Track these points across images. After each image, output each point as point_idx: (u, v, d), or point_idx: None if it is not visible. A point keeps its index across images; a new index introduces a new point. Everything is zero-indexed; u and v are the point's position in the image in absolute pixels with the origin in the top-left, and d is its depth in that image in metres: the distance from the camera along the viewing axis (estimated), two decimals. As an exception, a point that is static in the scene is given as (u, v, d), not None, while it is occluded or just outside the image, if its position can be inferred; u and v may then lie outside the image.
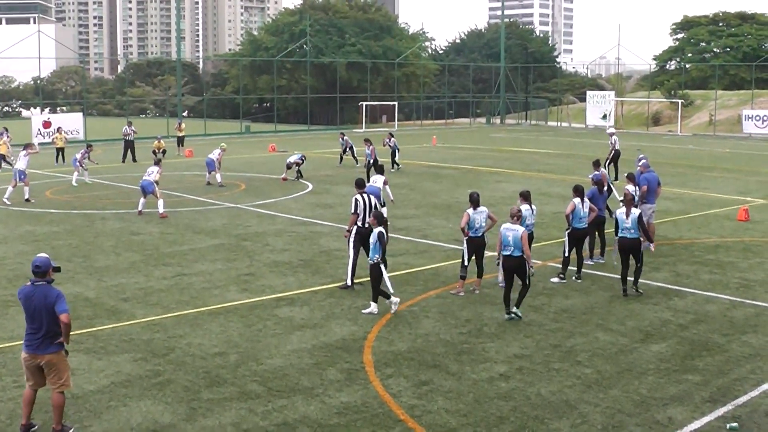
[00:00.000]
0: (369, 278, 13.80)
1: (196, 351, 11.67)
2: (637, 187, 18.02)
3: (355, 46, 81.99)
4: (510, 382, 10.59)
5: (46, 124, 49.01)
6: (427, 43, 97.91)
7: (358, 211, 15.10)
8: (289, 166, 31.27)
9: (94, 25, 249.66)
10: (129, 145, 38.55)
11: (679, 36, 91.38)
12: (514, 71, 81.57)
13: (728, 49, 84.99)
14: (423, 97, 79.31)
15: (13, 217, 22.81)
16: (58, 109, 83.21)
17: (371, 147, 31.35)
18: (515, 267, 13.23)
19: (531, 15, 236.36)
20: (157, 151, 36.88)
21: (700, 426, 9.34)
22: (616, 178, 28.90)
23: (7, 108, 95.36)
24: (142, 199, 23.10)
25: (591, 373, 10.93)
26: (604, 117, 67.07)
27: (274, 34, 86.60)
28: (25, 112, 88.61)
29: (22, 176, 25.36)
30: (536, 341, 12.22)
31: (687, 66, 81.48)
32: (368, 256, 13.85)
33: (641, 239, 14.82)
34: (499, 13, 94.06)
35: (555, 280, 15.73)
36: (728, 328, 13.00)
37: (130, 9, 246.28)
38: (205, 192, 27.83)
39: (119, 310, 13.74)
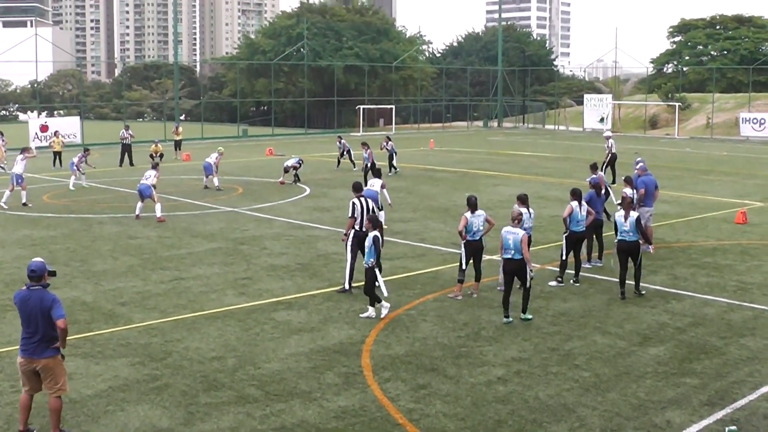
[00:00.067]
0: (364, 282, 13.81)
1: (194, 355, 11.65)
2: (635, 191, 18.04)
3: (352, 49, 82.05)
4: (508, 385, 10.58)
5: (43, 128, 48.94)
6: (425, 47, 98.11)
7: (356, 215, 15.10)
8: (286, 170, 31.26)
9: (92, 28, 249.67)
10: (126, 149, 38.53)
11: (677, 39, 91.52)
12: (511, 74, 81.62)
13: (725, 52, 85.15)
14: (420, 100, 79.31)
15: (11, 221, 22.78)
16: (55, 112, 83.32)
17: (369, 150, 31.36)
18: (515, 270, 13.26)
19: (528, 18, 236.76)
20: (154, 154, 36.77)
21: (699, 429, 9.34)
22: (613, 182, 28.91)
23: (4, 111, 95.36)
24: (139, 203, 23.09)
25: (589, 376, 10.93)
26: (602, 120, 67.14)
27: (272, 37, 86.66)
28: (22, 116, 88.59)
29: (20, 180, 25.33)
30: (534, 344, 12.22)
31: (684, 69, 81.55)
32: (364, 260, 13.86)
33: (640, 242, 14.84)
34: (496, 16, 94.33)
35: (553, 283, 15.73)
36: (726, 331, 13.00)
37: (128, 12, 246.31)
38: (202, 196, 27.82)
39: (117, 314, 13.72)
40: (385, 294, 13.56)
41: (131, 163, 37.90)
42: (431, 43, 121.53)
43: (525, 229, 14.15)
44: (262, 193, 28.69)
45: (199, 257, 18.08)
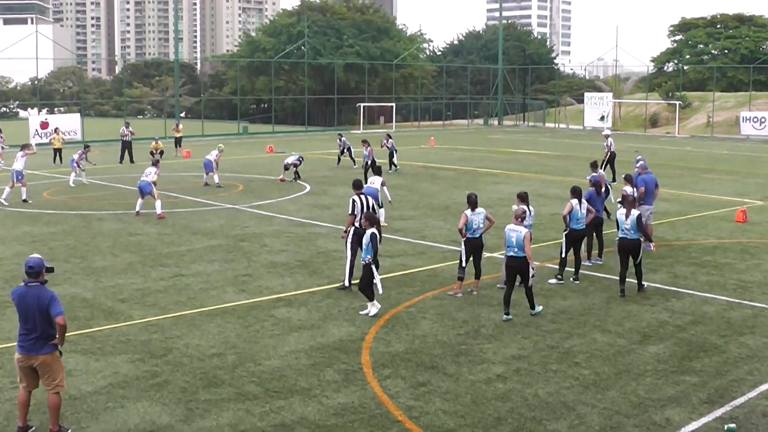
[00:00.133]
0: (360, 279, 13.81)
1: (194, 352, 11.66)
2: (635, 189, 18.03)
3: (352, 47, 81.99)
4: (507, 383, 10.59)
5: (44, 125, 48.99)
6: (425, 45, 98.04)
7: (356, 212, 15.11)
8: (286, 167, 31.26)
9: (92, 25, 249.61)
10: (126, 146, 38.54)
11: (677, 38, 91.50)
12: (512, 73, 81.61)
13: (726, 51, 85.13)
14: (421, 98, 79.32)
15: (11, 217, 22.78)
16: (56, 109, 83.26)
17: (369, 148, 31.34)
18: (518, 267, 13.30)
19: (529, 16, 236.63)
20: (154, 151, 36.86)
21: (698, 427, 9.34)
22: (613, 180, 28.92)
23: (4, 108, 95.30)
24: (139, 200, 23.09)
25: (588, 374, 10.93)
26: (602, 118, 67.15)
27: (272, 35, 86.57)
28: (22, 113, 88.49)
29: (20, 177, 25.34)
30: (534, 342, 12.22)
31: (685, 68, 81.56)
32: (361, 257, 13.87)
33: (641, 240, 14.86)
34: (497, 14, 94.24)
35: (553, 281, 15.73)
36: (726, 329, 13.01)
37: (128, 10, 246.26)
38: (202, 193, 27.82)
39: (116, 310, 13.73)
40: (380, 292, 13.50)
41: (131, 160, 37.91)
42: (432, 41, 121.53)
43: (525, 227, 14.17)
44: (263, 190, 28.68)
45: (199, 254, 18.08)
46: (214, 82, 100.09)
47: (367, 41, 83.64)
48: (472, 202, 14.61)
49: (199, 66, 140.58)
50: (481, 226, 14.63)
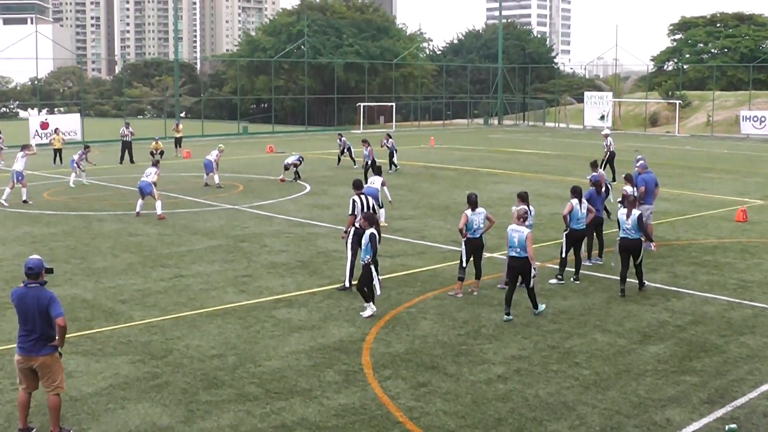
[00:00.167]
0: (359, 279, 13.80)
1: (194, 353, 11.66)
2: (635, 188, 18.04)
3: (352, 46, 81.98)
4: (508, 383, 10.59)
5: (44, 125, 48.98)
6: (425, 44, 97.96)
7: (356, 213, 15.11)
8: (286, 167, 31.26)
9: (92, 25, 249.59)
10: (126, 146, 38.53)
11: (677, 37, 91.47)
12: (511, 72, 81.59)
13: (726, 50, 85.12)
14: (421, 97, 79.30)
15: (11, 218, 22.78)
16: (56, 109, 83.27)
17: (369, 148, 31.34)
18: (520, 268, 13.32)
19: (529, 16, 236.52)
20: (154, 152, 36.85)
21: (699, 427, 9.34)
22: (613, 179, 28.91)
23: (4, 109, 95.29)
24: (139, 201, 23.09)
25: (589, 374, 10.93)
26: (602, 118, 67.13)
27: (272, 34, 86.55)
28: (22, 113, 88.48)
29: (20, 177, 25.34)
30: (534, 342, 12.22)
31: (684, 67, 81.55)
32: (360, 257, 13.88)
33: (642, 240, 14.86)
34: (496, 13, 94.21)
35: (553, 281, 15.73)
36: (726, 329, 13.01)
37: (128, 9, 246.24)
38: (202, 193, 27.82)
39: (117, 311, 13.73)
40: (377, 293, 13.49)
41: (131, 161, 37.91)
42: (431, 40, 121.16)
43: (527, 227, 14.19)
44: (263, 190, 28.68)
45: (200, 255, 18.08)
46: (213, 82, 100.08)
47: (367, 40, 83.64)
48: (473, 202, 14.61)
49: (198, 66, 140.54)
50: (482, 226, 14.63)
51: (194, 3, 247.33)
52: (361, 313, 13.46)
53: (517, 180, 31.70)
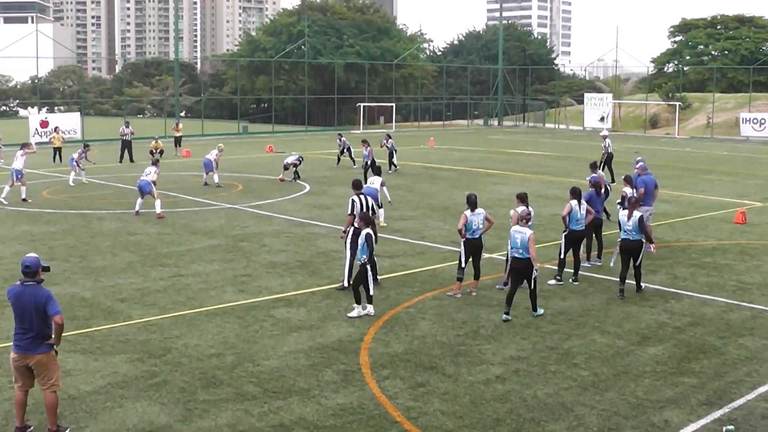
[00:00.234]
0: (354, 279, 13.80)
1: (193, 352, 11.65)
2: (635, 190, 18.04)
3: (353, 47, 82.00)
4: (506, 384, 10.59)
5: (44, 124, 48.95)
6: (425, 45, 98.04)
7: (355, 213, 15.10)
8: (286, 167, 31.26)
9: (92, 24, 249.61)
10: (126, 145, 38.51)
11: (677, 39, 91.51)
12: (512, 73, 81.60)
13: (726, 52, 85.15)
14: (421, 98, 79.30)
15: (10, 216, 22.78)
16: (56, 108, 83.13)
17: (369, 148, 31.34)
18: (523, 268, 13.33)
19: (529, 17, 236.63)
20: (154, 151, 36.87)
21: (697, 429, 9.34)
22: (612, 181, 28.91)
23: (4, 107, 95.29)
24: (139, 200, 23.09)
25: (587, 375, 10.93)
26: (602, 119, 67.14)
27: (272, 34, 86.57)
28: (22, 112, 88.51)
29: (19, 176, 25.34)
30: (533, 343, 12.22)
31: (685, 69, 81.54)
32: (357, 257, 13.88)
33: (643, 241, 14.87)
34: (497, 14, 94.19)
35: (552, 282, 15.73)
36: (725, 330, 13.01)
37: (128, 9, 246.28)
38: (202, 192, 27.81)
39: (116, 310, 13.73)
40: (370, 293, 13.49)
41: (131, 160, 37.90)
42: (432, 41, 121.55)
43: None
44: (262, 190, 28.68)
45: (199, 254, 18.08)
46: (214, 82, 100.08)
47: (368, 41, 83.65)
48: (472, 203, 14.61)
49: (199, 65, 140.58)
50: (481, 226, 14.63)
51: (195, 3, 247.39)
52: (348, 314, 13.46)
53: (516, 181, 31.70)
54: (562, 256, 15.84)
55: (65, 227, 21.24)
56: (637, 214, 14.84)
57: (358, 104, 68.04)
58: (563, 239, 15.85)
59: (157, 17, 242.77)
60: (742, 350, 12.05)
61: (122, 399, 9.95)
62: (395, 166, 34.51)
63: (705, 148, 51.23)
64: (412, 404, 9.90)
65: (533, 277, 13.37)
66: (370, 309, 13.49)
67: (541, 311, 13.66)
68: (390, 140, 35.27)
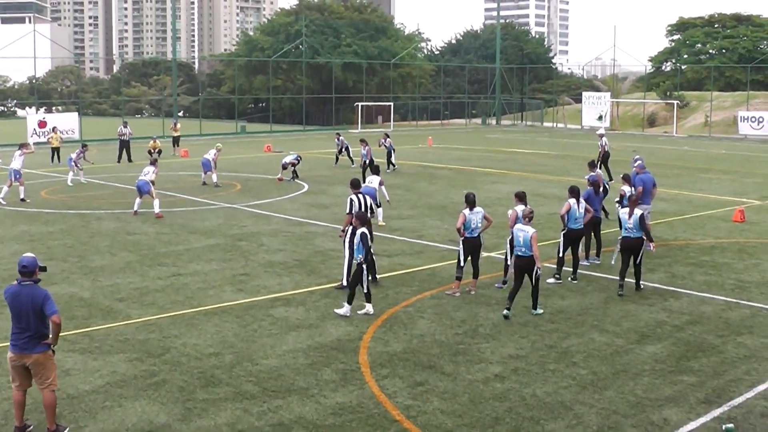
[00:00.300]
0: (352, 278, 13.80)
1: (192, 351, 11.65)
2: (633, 188, 18.05)
3: (350, 46, 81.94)
4: (505, 382, 10.59)
5: (42, 124, 48.90)
6: (423, 44, 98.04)
7: (354, 212, 15.09)
8: (284, 167, 31.25)
9: (90, 24, 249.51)
10: (124, 145, 38.49)
11: (675, 37, 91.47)
12: (509, 72, 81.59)
13: (724, 51, 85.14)
14: (419, 97, 79.26)
15: (9, 217, 22.76)
16: (54, 108, 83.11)
17: (367, 147, 31.34)
18: (526, 267, 13.36)
19: (527, 16, 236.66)
20: (152, 151, 36.85)
21: (696, 427, 9.35)
22: (609, 179, 28.92)
23: (2, 107, 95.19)
24: (137, 199, 23.08)
25: (586, 374, 10.93)
26: (600, 118, 67.16)
27: (270, 34, 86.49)
28: (20, 112, 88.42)
29: (18, 176, 25.32)
30: (532, 342, 12.22)
31: (682, 67, 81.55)
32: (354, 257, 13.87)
33: (643, 239, 14.89)
34: (494, 14, 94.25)
35: (551, 280, 15.73)
36: (723, 329, 13.01)
37: (126, 9, 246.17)
38: (200, 192, 27.80)
39: (114, 310, 13.72)
40: (364, 291, 13.47)
41: (129, 159, 37.88)
42: (429, 40, 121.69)
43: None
44: (260, 189, 28.67)
45: (197, 253, 18.07)
46: (212, 82, 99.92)
47: (365, 40, 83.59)
48: (470, 202, 14.62)
49: (197, 65, 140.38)
50: (479, 225, 14.64)
51: (192, 2, 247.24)
52: (336, 310, 13.46)
53: (514, 180, 31.70)
54: (560, 255, 15.85)
55: (64, 227, 21.23)
56: (638, 211, 14.86)
57: (356, 103, 68.00)
58: (562, 238, 15.86)
59: (154, 17, 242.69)
60: (741, 348, 12.06)
61: (121, 398, 9.94)
62: (393, 166, 34.51)
63: (703, 147, 51.27)
64: (411, 403, 9.90)
65: (536, 275, 13.39)
66: (369, 308, 13.49)
67: (540, 311, 13.67)
68: (388, 139, 35.26)
